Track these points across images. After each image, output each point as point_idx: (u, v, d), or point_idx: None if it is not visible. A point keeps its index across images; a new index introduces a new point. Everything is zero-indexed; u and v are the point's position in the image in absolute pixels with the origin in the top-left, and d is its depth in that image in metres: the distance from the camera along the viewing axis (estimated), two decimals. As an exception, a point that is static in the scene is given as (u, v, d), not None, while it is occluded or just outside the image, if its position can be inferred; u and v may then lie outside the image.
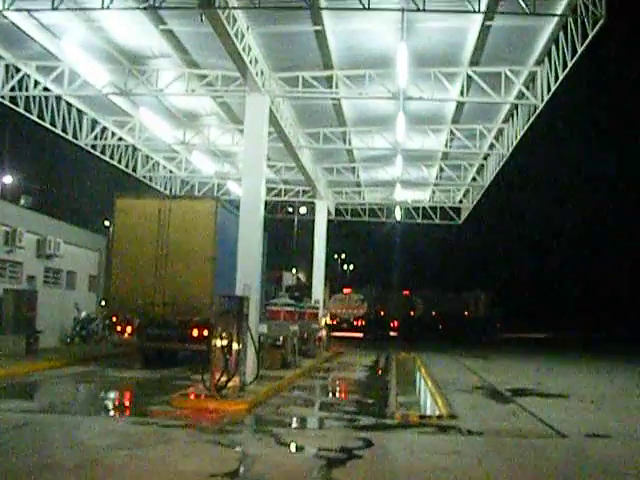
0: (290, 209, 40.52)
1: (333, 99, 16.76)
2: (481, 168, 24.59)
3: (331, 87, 15.21)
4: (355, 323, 51.08)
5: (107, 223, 55.85)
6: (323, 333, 27.58)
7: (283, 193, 29.29)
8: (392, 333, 51.71)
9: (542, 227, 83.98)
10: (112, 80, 15.94)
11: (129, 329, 16.82)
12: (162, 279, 15.75)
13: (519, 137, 17.27)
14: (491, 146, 20.28)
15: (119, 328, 17.12)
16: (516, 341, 49.08)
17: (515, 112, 17.80)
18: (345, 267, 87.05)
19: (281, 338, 18.09)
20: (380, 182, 27.47)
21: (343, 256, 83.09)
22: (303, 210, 53.15)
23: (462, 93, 15.15)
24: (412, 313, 54.42)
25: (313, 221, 29.13)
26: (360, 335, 48.04)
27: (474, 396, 14.75)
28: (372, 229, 51.94)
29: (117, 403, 12.69)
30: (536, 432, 10.40)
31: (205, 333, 14.93)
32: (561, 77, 13.34)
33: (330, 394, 15.66)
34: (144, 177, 26.31)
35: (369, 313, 51.71)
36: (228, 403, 11.48)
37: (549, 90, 14.24)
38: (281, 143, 19.47)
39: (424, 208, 32.46)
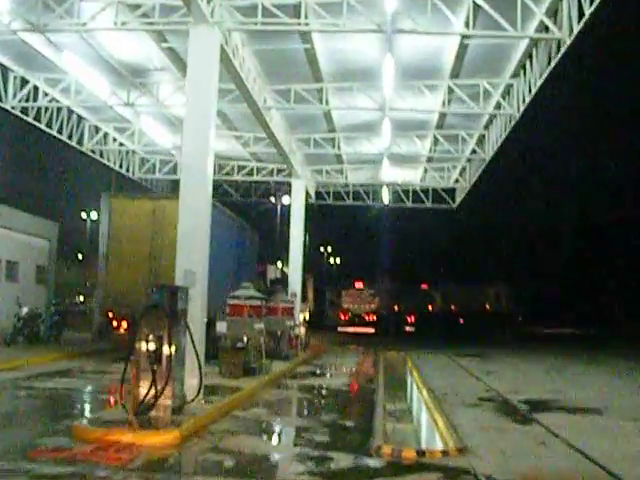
0: (272, 199, 37.84)
1: (303, 37, 13.59)
2: (481, 140, 21.50)
3: (299, 18, 11.99)
4: (367, 318, 50.01)
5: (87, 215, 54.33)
6: (302, 331, 24.56)
7: (255, 172, 26.04)
8: (408, 328, 50.02)
9: (555, 209, 75.12)
10: (21, 13, 12.64)
11: (124, 324, 17.58)
12: (156, 276, 16.05)
13: (538, 85, 14.09)
14: (497, 106, 17.12)
15: (115, 324, 17.96)
16: (538, 337, 46.20)
17: (529, 61, 14.68)
18: (332, 260, 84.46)
19: (245, 339, 15.06)
20: (365, 158, 24.36)
21: (329, 249, 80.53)
22: (286, 200, 51.41)
23: (467, 25, 11.98)
24: (430, 307, 52.93)
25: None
26: (371, 330, 46.73)
27: (483, 413, 11.68)
28: (357, 214, 49.48)
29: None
30: (583, 476, 7.34)
31: None
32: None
33: (298, 413, 12.48)
34: (92, 152, 23.04)
35: (381, 308, 50.47)
36: (150, 434, 8.34)
37: (580, 17, 11.10)
38: (245, 105, 16.34)
39: (414, 191, 29.45)
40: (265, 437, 9.25)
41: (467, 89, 16.36)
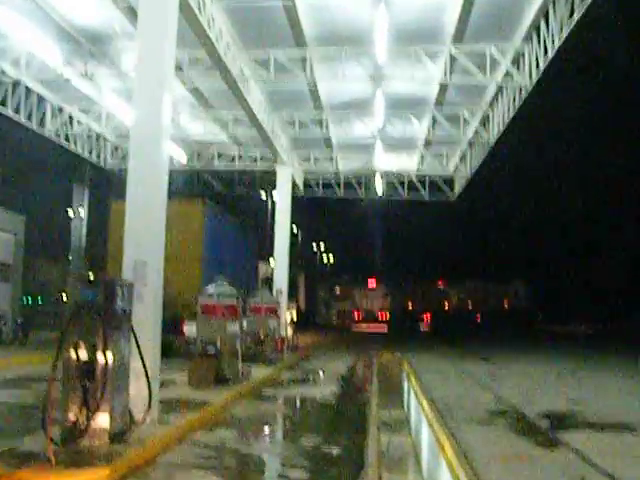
0: (263, 193, 36.00)
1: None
2: (485, 121, 19.58)
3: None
4: (379, 316, 50.23)
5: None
6: (288, 332, 22.71)
7: (237, 159, 24.04)
8: (423, 326, 49.35)
9: (567, 197, 69.60)
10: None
11: None
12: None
13: (557, 46, 12.16)
14: (506, 75, 15.16)
15: None
16: (555, 336, 44.26)
17: (544, 19, 12.75)
18: (325, 258, 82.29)
19: (217, 343, 13.18)
20: (356, 142, 22.48)
21: (322, 246, 78.62)
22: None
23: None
24: (446, 305, 51.55)
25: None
26: (384, 328, 46.38)
27: (496, 431, 9.74)
28: (348, 209, 47.85)
29: None
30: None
31: None
32: None
33: (273, 435, 10.50)
34: (57, 135, 21.02)
35: (394, 306, 50.37)
36: (71, 473, 6.39)
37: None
38: (221, 80, 14.42)
39: (410, 181, 27.56)
40: (224, 475, 7.27)
41: (471, 57, 14.43)
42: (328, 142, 22.60)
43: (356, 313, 52.48)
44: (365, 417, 10.64)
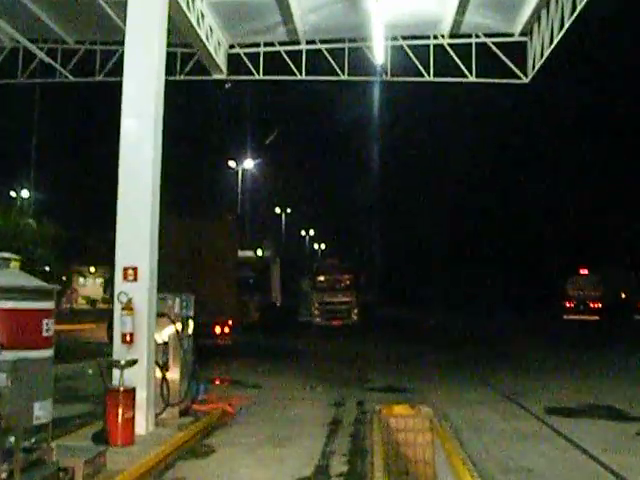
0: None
1: None
2: None
3: None
4: (592, 306, 50.82)
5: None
6: (173, 374, 9.71)
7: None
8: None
9: None
10: None
11: None
12: (195, 285, 16.32)
13: None
14: None
15: None
16: None
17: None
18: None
19: None
20: None
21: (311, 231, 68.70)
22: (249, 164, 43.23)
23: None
24: None
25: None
26: (596, 318, 47.87)
27: None
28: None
29: None
30: None
31: (226, 330, 19.15)
32: None
33: None
34: None
35: (605, 295, 50.40)
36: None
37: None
38: None
39: (439, 47, 14.36)
40: None
41: None
42: None
43: (567, 302, 52.86)
44: None
